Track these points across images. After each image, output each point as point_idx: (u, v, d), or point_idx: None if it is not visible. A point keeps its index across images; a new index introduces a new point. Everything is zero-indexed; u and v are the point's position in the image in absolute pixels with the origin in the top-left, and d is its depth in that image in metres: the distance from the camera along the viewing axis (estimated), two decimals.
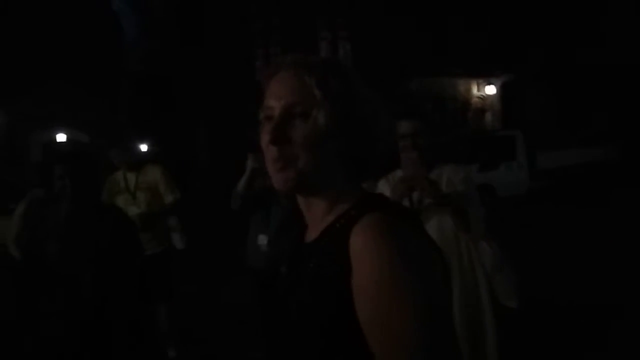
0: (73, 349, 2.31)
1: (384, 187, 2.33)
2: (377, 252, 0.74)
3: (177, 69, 21.90)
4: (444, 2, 15.98)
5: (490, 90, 18.17)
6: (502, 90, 18.32)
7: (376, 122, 0.88)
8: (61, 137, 16.90)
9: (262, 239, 2.97)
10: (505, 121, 17.57)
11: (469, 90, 18.36)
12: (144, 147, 22.96)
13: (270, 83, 0.88)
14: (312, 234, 0.90)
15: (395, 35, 15.72)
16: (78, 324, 2.27)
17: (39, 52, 15.81)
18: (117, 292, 2.30)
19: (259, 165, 2.91)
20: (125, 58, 24.04)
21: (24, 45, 15.20)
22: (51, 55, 16.32)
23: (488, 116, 18.46)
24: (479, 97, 18.46)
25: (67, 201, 2.24)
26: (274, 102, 0.86)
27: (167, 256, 3.91)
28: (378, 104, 0.91)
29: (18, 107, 14.45)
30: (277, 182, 0.86)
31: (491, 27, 16.28)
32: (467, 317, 2.18)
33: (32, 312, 2.35)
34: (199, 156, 19.93)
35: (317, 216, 0.89)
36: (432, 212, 2.23)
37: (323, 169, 0.85)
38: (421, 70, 16.09)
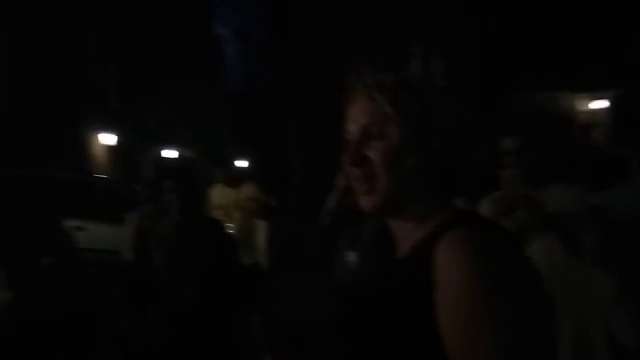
0: (174, 354, 2.44)
1: (486, 208, 2.23)
2: (460, 269, 0.71)
3: (273, 89, 22.78)
4: (545, 11, 15.14)
5: (600, 104, 16.81)
6: (613, 104, 16.87)
7: (458, 135, 0.86)
8: (170, 154, 18.21)
9: (351, 256, 2.96)
10: (616, 138, 16.12)
11: (574, 105, 17.13)
12: (242, 164, 24.06)
13: (349, 108, 0.91)
14: (402, 251, 0.90)
15: (492, 49, 15.15)
16: (180, 330, 2.40)
17: (148, 74, 17.22)
18: (216, 302, 2.41)
19: (349, 183, 2.91)
20: (225, 79, 25.46)
21: (134, 66, 16.64)
22: (159, 76, 17.70)
23: (597, 132, 17.07)
24: (586, 112, 17.14)
25: (174, 214, 2.41)
26: (352, 125, 0.89)
27: (258, 269, 4.04)
28: (461, 117, 0.88)
29: (131, 126, 15.79)
30: (364, 205, 0.88)
31: (599, 36, 15.12)
32: (577, 356, 1.98)
33: (139, 317, 2.52)
34: (293, 173, 20.46)
35: (406, 234, 0.89)
36: (538, 235, 2.08)
37: (406, 186, 0.85)
38: (523, 85, 15.32)
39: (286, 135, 21.35)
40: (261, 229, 4.30)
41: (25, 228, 2.61)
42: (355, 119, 0.88)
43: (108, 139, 13.94)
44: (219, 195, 4.15)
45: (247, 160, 24.14)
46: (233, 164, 4.59)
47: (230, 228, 3.94)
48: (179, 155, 18.16)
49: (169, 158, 18.06)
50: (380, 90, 0.86)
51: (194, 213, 2.45)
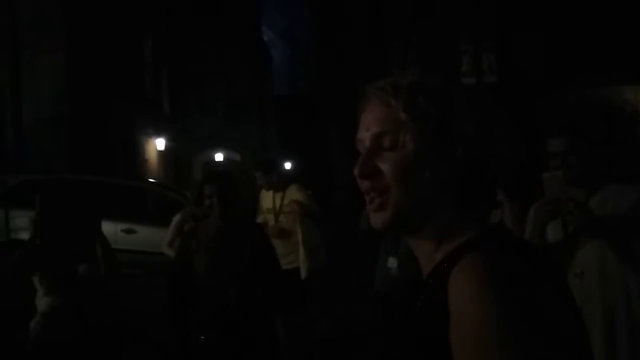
0: (214, 357, 2.45)
1: (532, 215, 2.08)
2: (472, 303, 0.63)
3: (318, 92, 22.86)
4: (605, 4, 14.37)
5: None
6: None
7: (485, 141, 0.78)
8: (219, 157, 18.64)
9: (392, 262, 2.89)
10: None
11: (638, 98, 16.17)
12: (288, 166, 24.34)
13: (362, 116, 0.83)
14: (425, 271, 0.81)
15: (548, 42, 14.55)
16: (220, 334, 2.41)
17: (198, 80, 17.63)
18: (257, 306, 2.42)
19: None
20: (274, 83, 25.79)
21: (184, 72, 17.04)
22: (209, 82, 18.11)
23: None
24: None
25: (215, 218, 2.43)
26: (363, 133, 0.81)
27: (299, 273, 4.01)
28: (486, 123, 0.80)
29: (182, 130, 16.26)
30: (374, 221, 0.80)
31: None
32: None
33: (179, 320, 2.55)
34: (337, 175, 20.46)
35: (425, 253, 0.80)
36: (588, 242, 1.92)
37: (422, 201, 0.76)
38: (582, 80, 14.61)
39: (330, 138, 21.38)
40: (306, 233, 4.24)
41: (67, 235, 2.69)
42: (367, 126, 0.80)
43: (160, 143, 14.39)
44: (264, 199, 4.17)
45: (293, 163, 24.31)
46: (279, 167, 4.59)
47: (275, 232, 3.94)
48: (226, 158, 18.55)
49: (218, 161, 18.49)
50: (395, 94, 0.78)
51: (235, 217, 2.47)
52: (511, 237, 0.76)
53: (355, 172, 0.79)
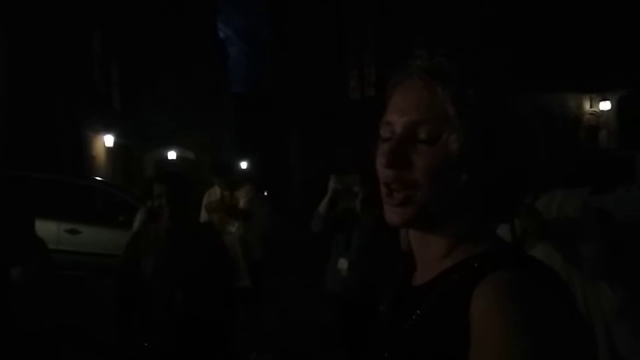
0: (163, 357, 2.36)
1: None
2: (506, 327, 0.58)
3: (277, 90, 22.72)
4: (549, 10, 15.00)
5: (605, 105, 16.67)
6: (618, 105, 16.74)
7: (526, 148, 0.72)
8: (172, 155, 18.20)
9: (343, 263, 2.88)
10: (622, 140, 15.98)
11: (580, 106, 17.00)
12: (244, 165, 24.08)
13: (394, 94, 0.74)
14: (423, 276, 0.76)
15: (496, 49, 15.03)
16: (169, 337, 2.32)
17: (151, 75, 17.19)
18: (207, 307, 2.34)
19: (340, 187, 2.85)
20: (231, 80, 25.43)
21: (136, 67, 16.59)
22: (163, 78, 17.68)
23: (603, 134, 16.92)
24: (591, 114, 17.01)
25: (164, 219, 2.34)
26: (395, 117, 0.72)
27: (256, 267, 4.02)
28: (532, 125, 0.75)
29: (133, 127, 15.75)
30: (391, 217, 0.72)
31: (604, 35, 14.96)
32: None
33: (125, 324, 2.44)
34: (294, 174, 20.40)
35: (432, 256, 0.74)
36: (536, 243, 1.97)
37: (450, 202, 0.70)
38: (526, 86, 15.18)
39: (289, 137, 21.29)
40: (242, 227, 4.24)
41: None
42: (401, 109, 0.71)
43: (109, 140, 13.88)
44: (215, 197, 4.11)
45: (249, 163, 24.07)
46: (233, 165, 4.55)
47: (231, 232, 3.93)
48: (179, 157, 18.14)
49: (170, 159, 18.06)
50: (443, 80, 0.69)
51: (184, 218, 2.38)
52: (527, 256, 0.72)
53: (383, 160, 0.71)
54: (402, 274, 0.84)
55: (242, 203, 4.04)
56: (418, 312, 0.71)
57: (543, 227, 1.89)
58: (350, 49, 19.42)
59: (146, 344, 2.40)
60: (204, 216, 4.15)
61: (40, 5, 9.95)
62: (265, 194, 12.03)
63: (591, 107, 16.90)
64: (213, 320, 2.36)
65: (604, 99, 16.70)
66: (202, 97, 18.90)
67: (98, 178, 10.06)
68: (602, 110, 16.84)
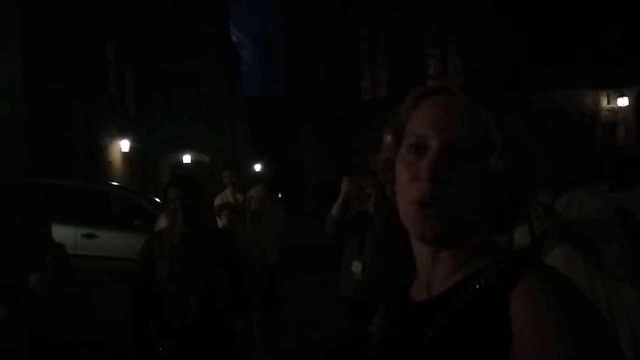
0: None
1: None
2: (557, 324, 0.61)
3: (289, 93, 22.76)
4: (566, 7, 14.77)
5: (623, 102, 16.38)
6: (636, 101, 16.42)
7: (536, 165, 0.76)
8: (187, 159, 18.33)
9: (357, 266, 2.85)
10: None
11: (597, 102, 16.73)
12: (258, 168, 24.14)
13: (422, 106, 0.76)
14: (429, 291, 0.76)
15: (511, 46, 14.86)
16: (183, 342, 2.32)
17: (165, 80, 17.32)
18: (220, 316, 2.33)
19: (353, 190, 2.82)
20: (244, 84, 25.54)
21: (150, 73, 16.73)
22: (177, 82, 17.81)
23: (621, 131, 16.63)
24: (609, 110, 16.73)
25: (179, 224, 2.33)
26: (432, 131, 0.73)
27: (271, 270, 4.01)
28: (539, 145, 0.80)
29: (148, 132, 15.90)
30: (427, 230, 0.72)
31: (622, 31, 14.69)
32: None
33: (140, 329, 2.44)
34: (307, 177, 20.39)
35: (442, 270, 0.75)
36: (555, 245, 1.91)
37: (476, 220, 0.73)
38: (543, 83, 14.97)
39: (301, 140, 21.29)
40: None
41: (14, 242, 2.53)
42: (439, 124, 0.73)
43: (125, 145, 14.02)
44: (230, 198, 4.11)
45: (263, 165, 24.11)
46: (244, 167, 4.55)
47: (239, 231, 3.89)
48: (194, 160, 18.26)
49: (185, 163, 18.18)
50: (487, 106, 0.73)
51: (199, 223, 2.38)
52: (539, 259, 0.76)
53: (425, 173, 0.71)
54: (398, 288, 0.83)
55: (252, 204, 4.03)
56: (438, 322, 0.70)
57: (562, 228, 1.84)
58: (362, 50, 19.37)
59: (160, 349, 2.40)
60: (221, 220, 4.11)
61: (55, 13, 10.09)
62: (280, 196, 12.05)
63: (608, 103, 16.61)
64: (227, 326, 2.35)
65: (622, 95, 16.41)
66: (215, 100, 18.99)
67: (114, 183, 10.17)
68: (620, 107, 16.55)
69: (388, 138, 0.80)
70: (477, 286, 0.69)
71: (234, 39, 26.62)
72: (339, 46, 19.11)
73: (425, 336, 0.71)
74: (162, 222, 3.79)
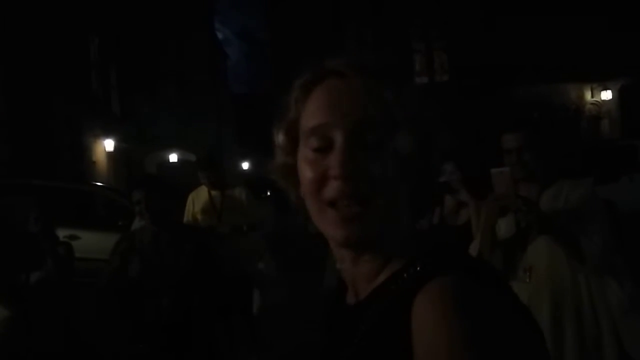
0: None
1: (483, 211, 2.04)
2: (450, 339, 0.52)
3: (277, 90, 22.68)
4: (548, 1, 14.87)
5: (607, 95, 16.57)
6: (620, 95, 16.63)
7: (438, 147, 0.68)
8: (173, 158, 18.17)
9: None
10: (624, 129, 15.87)
11: (581, 96, 16.89)
12: (246, 166, 24.04)
13: (315, 94, 0.66)
14: (357, 294, 0.69)
15: (496, 40, 14.94)
16: (158, 342, 2.29)
17: (150, 78, 17.16)
18: (196, 312, 2.30)
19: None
20: (231, 81, 25.40)
21: (135, 70, 16.56)
22: (161, 80, 17.65)
23: (605, 124, 16.82)
24: (593, 104, 16.92)
25: (148, 224, 2.30)
26: (332, 118, 0.63)
27: (248, 276, 3.87)
28: (437, 123, 0.69)
29: (133, 131, 15.73)
30: (341, 235, 0.63)
31: (604, 24, 14.82)
32: None
33: (114, 330, 2.41)
34: None
35: (365, 273, 0.67)
36: (537, 238, 1.90)
37: (396, 214, 0.64)
38: (527, 77, 15.08)
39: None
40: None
41: (14, 241, 2.53)
42: (342, 112, 0.63)
43: (109, 144, 13.86)
44: (203, 197, 4.00)
45: (251, 163, 23.99)
46: (225, 166, 4.43)
47: (219, 230, 3.79)
48: (180, 159, 18.12)
49: (171, 162, 18.03)
50: (385, 80, 0.64)
51: (169, 222, 2.34)
52: (462, 254, 0.66)
53: (336, 171, 0.62)
54: (335, 293, 0.76)
55: (228, 204, 3.89)
56: (362, 329, 0.63)
57: (542, 221, 1.83)
58: (349, 46, 19.36)
59: (141, 346, 2.37)
60: (201, 217, 4.00)
61: (36, 11, 9.92)
62: (269, 193, 12.01)
63: (592, 97, 16.80)
64: (202, 325, 2.32)
65: (605, 89, 16.60)
66: (201, 98, 18.86)
67: (99, 183, 10.04)
68: (604, 100, 16.74)
69: (280, 138, 0.70)
70: (393, 289, 0.62)
71: (220, 35, 26.47)
72: (325, 42, 19.07)
73: (352, 344, 0.64)
74: (137, 223, 3.70)
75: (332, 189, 0.63)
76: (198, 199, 3.98)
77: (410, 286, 0.59)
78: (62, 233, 5.99)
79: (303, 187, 0.66)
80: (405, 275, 0.62)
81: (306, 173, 0.65)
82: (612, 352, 1.77)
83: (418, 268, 0.61)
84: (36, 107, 9.89)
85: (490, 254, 1.94)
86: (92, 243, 5.95)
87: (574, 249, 1.83)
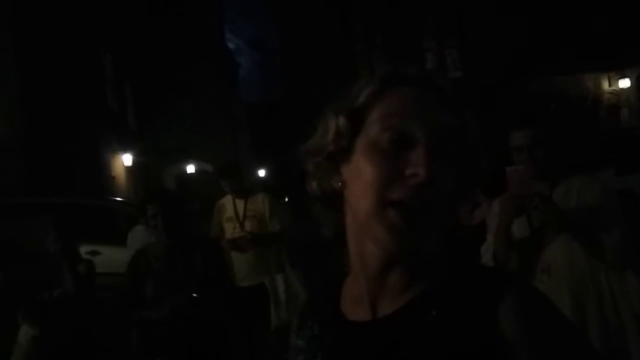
0: None
1: (497, 211, 1.99)
2: (559, 321, 0.64)
3: (289, 97, 22.77)
4: None
5: (625, 83, 16.22)
6: (638, 82, 16.26)
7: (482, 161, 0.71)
8: (190, 169, 18.33)
9: None
10: None
11: (599, 85, 16.57)
12: (262, 173, 24.14)
13: (396, 93, 0.66)
14: (374, 308, 0.66)
15: (507, 34, 14.76)
16: (175, 357, 2.30)
17: (164, 91, 17.36)
18: (208, 330, 2.30)
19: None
20: (243, 90, 25.56)
21: (149, 84, 16.76)
22: (175, 92, 17.84)
23: (624, 113, 16.47)
24: (611, 93, 16.58)
25: (162, 239, 2.31)
26: (417, 121, 0.62)
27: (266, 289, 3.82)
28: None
29: (150, 144, 15.92)
30: (392, 238, 0.61)
31: (618, 12, 14.52)
32: None
33: (130, 345, 2.43)
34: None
35: (393, 285, 0.65)
36: (555, 237, 1.86)
37: (444, 225, 0.66)
38: (543, 70, 14.85)
39: (303, 142, 21.26)
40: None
41: (35, 261, 2.59)
42: (426, 118, 0.63)
43: (127, 159, 14.05)
44: (225, 207, 4.01)
45: (267, 171, 24.08)
46: (246, 174, 4.46)
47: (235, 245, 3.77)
48: (197, 170, 18.27)
49: (189, 173, 18.20)
50: (465, 102, 0.67)
51: (183, 236, 2.35)
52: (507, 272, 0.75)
53: (418, 170, 0.60)
54: (327, 311, 0.72)
55: (272, 224, 3.84)
56: (403, 345, 0.61)
57: (560, 219, 1.79)
58: (359, 50, 19.33)
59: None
60: (217, 229, 4.01)
61: (48, 31, 10.12)
62: (287, 199, 12.00)
63: (610, 85, 16.46)
64: (219, 340, 2.32)
65: (623, 77, 16.26)
66: (215, 108, 19.02)
67: (118, 198, 10.17)
68: (622, 88, 16.39)
69: (342, 121, 0.67)
70: (452, 298, 0.62)
71: (232, 45, 26.71)
72: (336, 46, 19.08)
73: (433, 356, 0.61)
74: (137, 237, 3.71)
75: (404, 187, 0.61)
76: (223, 208, 3.99)
77: (483, 290, 0.61)
78: (83, 249, 6.09)
79: (358, 177, 0.64)
80: (463, 282, 0.63)
81: (374, 165, 0.63)
82: (636, 349, 1.73)
83: (477, 276, 0.64)
84: (53, 125, 10.07)
85: (505, 255, 1.91)
86: (113, 258, 6.02)
87: (593, 246, 1.79)
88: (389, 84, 0.67)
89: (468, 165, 0.65)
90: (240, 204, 3.92)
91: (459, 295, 0.62)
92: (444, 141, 0.63)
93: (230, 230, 3.87)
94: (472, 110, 0.67)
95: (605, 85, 16.56)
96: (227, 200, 4.00)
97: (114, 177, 13.51)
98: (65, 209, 6.51)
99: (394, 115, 0.64)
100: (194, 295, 2.27)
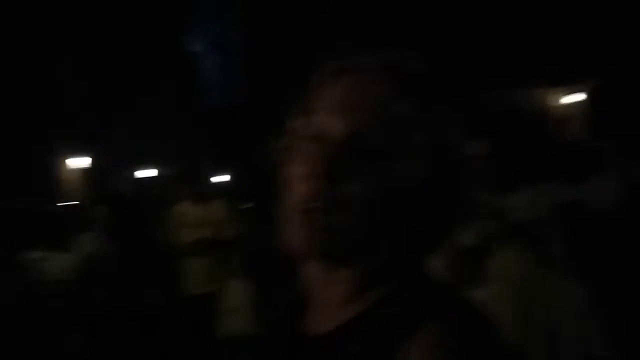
0: None
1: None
2: None
3: (251, 101, 22.67)
4: (513, 5, 15.19)
5: (576, 97, 16.96)
6: (588, 97, 17.05)
7: (465, 171, 0.62)
8: (148, 173, 17.94)
9: None
10: (593, 131, 16.25)
11: (549, 100, 17.26)
12: (219, 179, 23.87)
13: (326, 89, 0.61)
14: (320, 323, 0.62)
15: (463, 49, 15.19)
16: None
17: (122, 95, 16.98)
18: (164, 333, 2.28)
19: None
20: (206, 93, 25.31)
21: (106, 86, 16.38)
22: (134, 96, 17.47)
23: (573, 127, 17.21)
24: (560, 107, 17.29)
25: (111, 243, 2.27)
26: (330, 117, 0.57)
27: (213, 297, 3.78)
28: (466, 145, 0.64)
29: (106, 147, 15.49)
30: (299, 242, 0.56)
31: (571, 27, 15.19)
32: None
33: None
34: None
35: (334, 299, 0.60)
36: (504, 246, 1.93)
37: (379, 236, 0.57)
38: (493, 83, 15.36)
39: (264, 149, 21.20)
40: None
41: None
42: (344, 108, 0.56)
43: (81, 162, 13.61)
44: (185, 212, 3.95)
45: (225, 175, 23.85)
46: (206, 179, 4.42)
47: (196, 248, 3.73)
48: (157, 174, 17.91)
49: (147, 177, 17.81)
50: (393, 80, 0.57)
51: (133, 237, 2.31)
52: (453, 291, 0.61)
53: (321, 167, 0.54)
54: (294, 317, 0.69)
55: (228, 230, 3.83)
56: None
57: (509, 228, 1.86)
58: (323, 58, 19.45)
59: None
60: (177, 235, 3.91)
61: (2, 31, 9.74)
62: (251, 205, 11.93)
63: (560, 100, 17.18)
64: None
65: (573, 92, 17.01)
66: (175, 112, 18.72)
67: (70, 202, 9.83)
68: (572, 103, 17.15)
69: (298, 121, 0.62)
70: (375, 329, 0.56)
71: (197, 47, 26.30)
72: (301, 53, 19.16)
73: None
74: (85, 242, 3.59)
75: (305, 187, 0.56)
76: (179, 213, 3.93)
77: (396, 330, 0.54)
78: (30, 256, 5.84)
79: (287, 179, 0.60)
80: (387, 314, 0.56)
81: (293, 162, 0.59)
82: (571, 349, 1.81)
83: (405, 307, 0.55)
84: (3, 127, 9.67)
85: (456, 264, 1.96)
86: (62, 264, 5.81)
87: (542, 255, 1.86)
88: (333, 76, 0.64)
89: (407, 173, 0.56)
90: (198, 209, 3.90)
91: (380, 331, 0.55)
92: (362, 137, 0.56)
93: (187, 235, 3.82)
94: (421, 106, 0.59)
95: (556, 100, 17.28)
96: (185, 205, 3.96)
97: (67, 181, 13.06)
98: (11, 213, 6.23)
99: (319, 108, 0.61)
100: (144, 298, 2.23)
